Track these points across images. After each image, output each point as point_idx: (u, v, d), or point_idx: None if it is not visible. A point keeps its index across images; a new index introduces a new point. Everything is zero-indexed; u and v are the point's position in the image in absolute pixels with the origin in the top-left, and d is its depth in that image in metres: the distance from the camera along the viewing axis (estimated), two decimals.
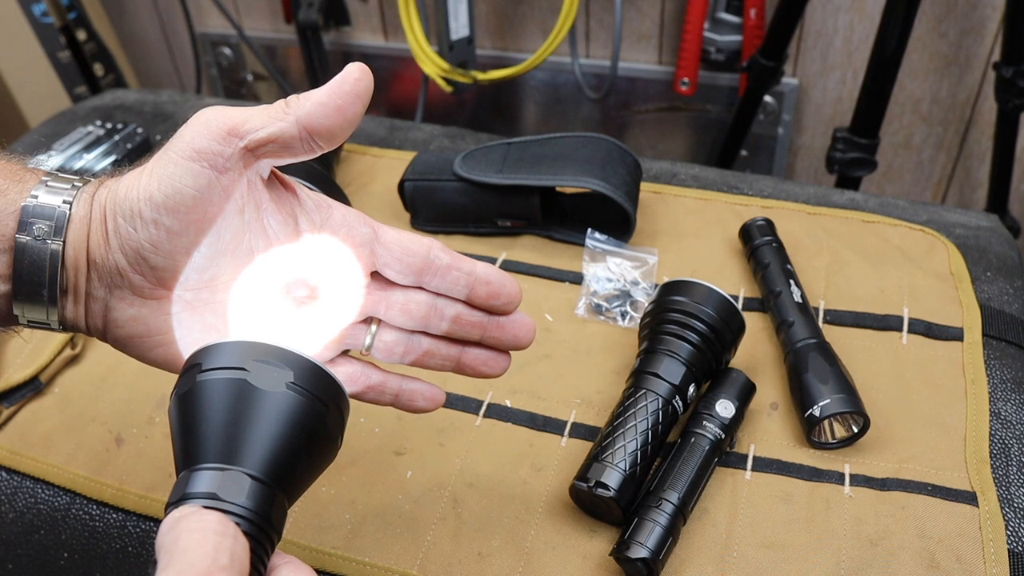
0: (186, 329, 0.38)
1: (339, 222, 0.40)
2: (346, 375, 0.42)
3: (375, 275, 0.42)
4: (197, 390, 0.34)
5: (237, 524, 0.31)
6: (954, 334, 0.62)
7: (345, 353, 0.43)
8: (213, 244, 0.37)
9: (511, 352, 0.44)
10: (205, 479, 0.32)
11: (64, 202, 0.36)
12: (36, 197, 0.35)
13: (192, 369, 0.35)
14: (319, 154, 0.37)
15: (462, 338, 0.43)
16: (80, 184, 0.37)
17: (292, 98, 0.36)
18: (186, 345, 0.38)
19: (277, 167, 0.39)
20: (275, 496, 0.33)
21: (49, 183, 0.36)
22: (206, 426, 0.33)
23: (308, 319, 0.41)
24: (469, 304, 0.42)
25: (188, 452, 0.34)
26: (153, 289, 0.37)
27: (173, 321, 0.38)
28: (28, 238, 0.35)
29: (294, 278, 0.40)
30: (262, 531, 0.32)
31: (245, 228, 0.37)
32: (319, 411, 0.35)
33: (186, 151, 0.35)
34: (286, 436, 0.34)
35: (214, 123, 0.35)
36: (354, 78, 0.36)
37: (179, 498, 0.32)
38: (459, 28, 1.28)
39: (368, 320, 0.42)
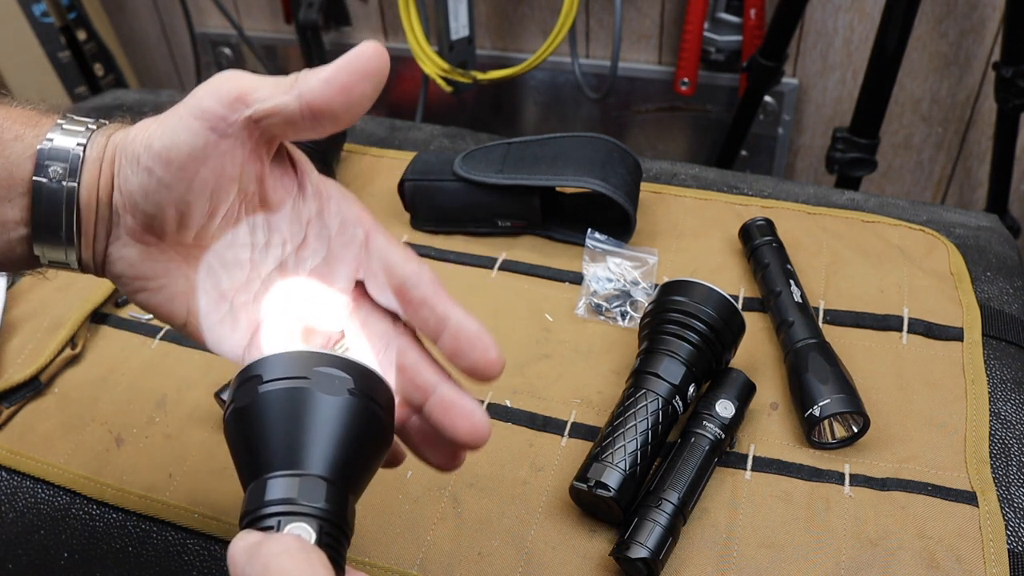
0: (172, 279, 0.38)
1: (333, 216, 0.39)
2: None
3: (359, 284, 0.40)
4: (261, 401, 0.35)
5: (320, 526, 0.32)
6: (954, 334, 0.62)
7: None
8: (202, 205, 0.36)
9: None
10: (281, 485, 0.33)
11: (78, 144, 0.36)
12: (51, 140, 0.36)
13: (251, 381, 0.35)
14: (326, 135, 0.36)
15: (406, 397, 0.38)
16: (94, 127, 0.37)
17: (303, 72, 0.34)
18: (169, 294, 0.38)
19: (291, 142, 0.38)
20: (347, 496, 0.34)
21: (64, 126, 0.36)
22: (272, 435, 0.34)
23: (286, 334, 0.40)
24: (430, 360, 0.38)
25: (256, 462, 0.34)
26: (143, 234, 0.37)
27: (160, 269, 0.37)
28: (44, 180, 0.35)
29: (285, 311, 0.39)
30: (340, 531, 0.33)
31: (240, 198, 0.37)
32: (377, 413, 0.36)
33: (193, 108, 0.34)
34: (351, 439, 0.35)
35: (225, 87, 0.34)
36: (366, 56, 0.33)
37: (257, 506, 0.33)
38: (459, 28, 1.28)
39: (343, 334, 0.40)
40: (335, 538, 0.33)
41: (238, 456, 0.36)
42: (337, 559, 0.33)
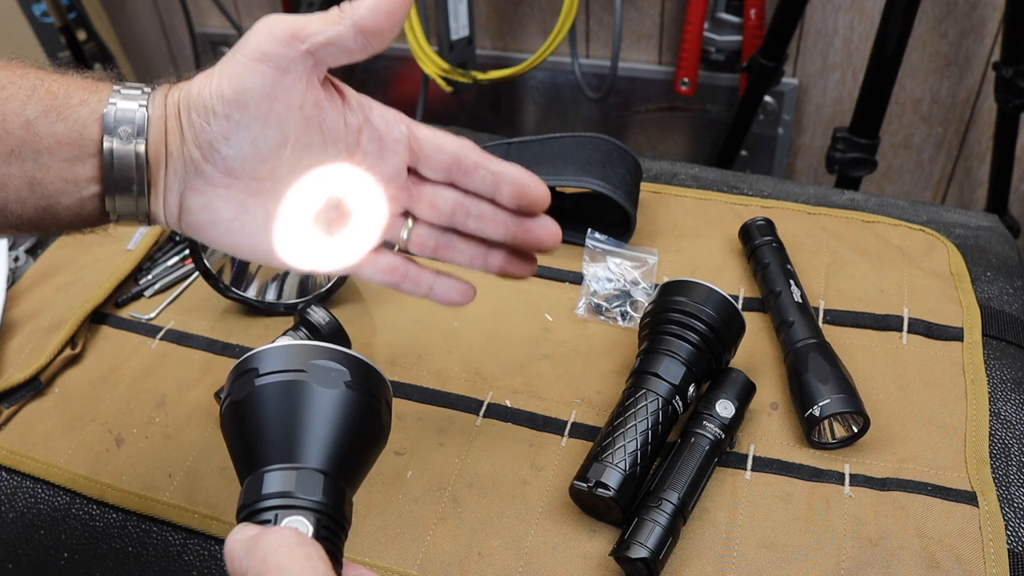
0: (251, 215, 0.41)
1: (378, 120, 0.43)
2: (386, 266, 0.45)
3: (411, 171, 0.44)
4: (257, 395, 0.35)
5: (318, 519, 0.32)
6: (954, 334, 0.62)
7: (384, 246, 0.46)
8: (276, 136, 0.40)
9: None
10: (278, 479, 0.33)
11: (140, 105, 0.39)
12: (115, 104, 0.39)
13: (247, 374, 0.35)
14: (371, 55, 0.40)
15: (488, 237, 0.45)
16: (149, 90, 0.40)
17: (345, 4, 0.39)
18: (252, 229, 0.42)
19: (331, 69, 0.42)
20: (344, 489, 0.34)
21: (122, 91, 0.40)
22: (269, 429, 0.34)
23: (348, 229, 0.44)
24: (497, 204, 0.44)
25: (253, 455, 0.34)
26: (223, 178, 0.40)
27: (240, 208, 0.41)
28: (115, 140, 0.39)
29: (333, 195, 0.43)
30: (338, 523, 0.33)
31: (304, 123, 0.40)
32: (373, 406, 0.36)
33: (254, 53, 0.38)
34: (348, 432, 0.35)
35: (278, 29, 0.38)
36: None
37: (255, 499, 0.33)
38: (459, 28, 1.28)
39: (405, 214, 0.45)
40: (333, 531, 0.33)
41: (235, 449, 0.35)
42: (335, 552, 0.33)
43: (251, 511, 0.33)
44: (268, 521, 0.32)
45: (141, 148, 0.39)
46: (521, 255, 0.47)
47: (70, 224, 0.41)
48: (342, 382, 0.35)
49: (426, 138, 0.44)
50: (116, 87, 0.40)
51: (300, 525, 0.32)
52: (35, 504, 0.56)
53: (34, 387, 0.62)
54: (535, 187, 0.44)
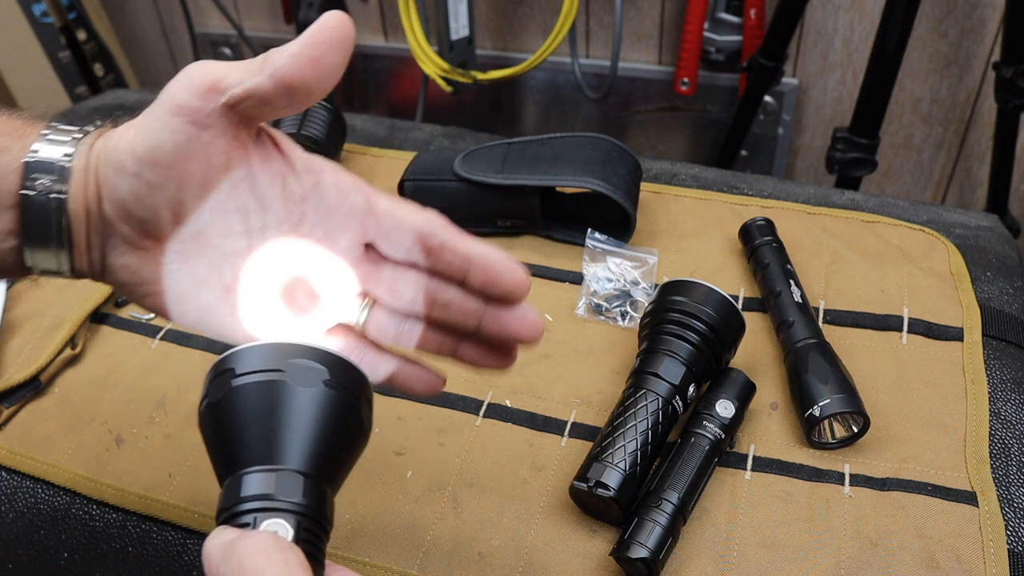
0: (176, 280, 0.38)
1: (329, 188, 0.38)
2: (338, 349, 0.41)
3: (369, 247, 0.40)
4: (234, 396, 0.34)
5: (298, 522, 0.32)
6: (954, 334, 0.62)
7: (341, 326, 0.41)
8: (198, 199, 0.36)
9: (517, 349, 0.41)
10: (257, 481, 0.32)
11: (65, 155, 0.36)
12: (36, 152, 0.36)
13: (224, 375, 0.35)
14: (302, 110, 0.36)
15: (457, 326, 0.40)
16: (80, 136, 0.37)
17: (271, 51, 0.35)
18: (176, 295, 0.38)
19: (266, 123, 0.38)
20: (325, 490, 0.34)
21: (50, 136, 0.36)
22: (247, 430, 0.34)
23: (301, 308, 0.40)
24: (468, 289, 0.39)
25: (231, 457, 0.34)
26: (140, 240, 0.37)
27: (163, 272, 0.37)
28: (33, 193, 0.35)
29: (286, 277, 0.39)
30: (320, 525, 0.33)
31: (230, 186, 0.37)
32: (354, 404, 0.35)
33: (168, 106, 0.34)
34: (328, 432, 0.34)
35: (196, 78, 0.34)
36: (328, 26, 0.34)
37: (233, 502, 0.32)
38: (459, 28, 1.28)
39: (364, 295, 0.41)
40: (314, 533, 0.32)
41: (213, 452, 0.35)
42: (315, 554, 0.32)
43: (230, 514, 0.32)
44: (247, 524, 0.31)
45: (62, 200, 0.35)
46: (497, 347, 0.40)
47: None
48: (321, 381, 0.34)
49: (387, 212, 0.38)
50: (44, 131, 0.37)
51: (280, 528, 0.31)
52: (35, 504, 0.56)
53: (34, 387, 0.62)
54: (510, 274, 0.37)
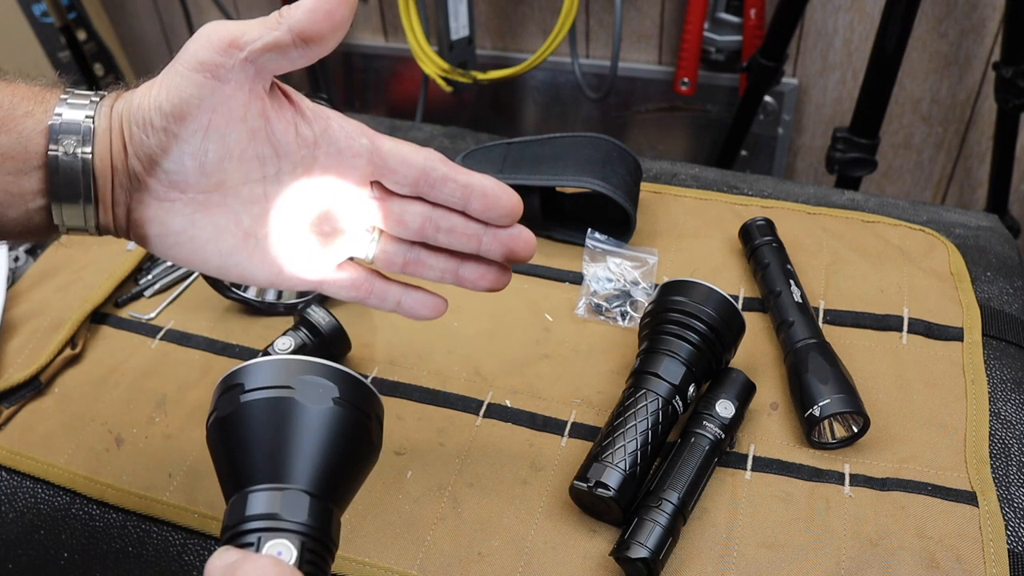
0: (200, 229, 0.41)
1: (337, 132, 0.41)
2: (350, 281, 0.44)
3: (376, 184, 0.43)
4: (243, 411, 0.34)
5: (302, 543, 0.31)
6: (954, 334, 0.62)
7: (350, 260, 0.45)
8: (219, 149, 0.39)
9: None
10: (263, 500, 0.32)
11: (87, 116, 0.38)
12: (60, 115, 0.38)
13: (232, 390, 0.35)
14: (315, 60, 0.39)
15: (459, 250, 0.44)
16: (97, 99, 0.39)
17: (284, 8, 0.37)
18: (199, 243, 0.41)
19: (278, 76, 0.40)
20: (331, 510, 0.33)
21: (70, 100, 0.39)
22: (255, 447, 0.33)
23: (314, 240, 0.43)
24: (467, 216, 0.43)
25: (238, 474, 0.33)
26: (167, 191, 0.39)
27: (187, 222, 0.40)
28: (60, 152, 0.38)
29: (307, 214, 0.42)
30: (324, 546, 0.32)
31: (250, 135, 0.39)
32: (364, 423, 0.35)
33: (191, 63, 0.37)
34: (337, 451, 0.34)
35: (215, 36, 0.37)
36: None
37: (238, 521, 0.32)
38: (459, 28, 1.28)
39: (371, 229, 0.44)
40: (318, 554, 0.32)
41: (220, 467, 0.34)
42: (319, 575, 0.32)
43: (233, 533, 0.32)
44: (251, 544, 0.31)
45: (88, 159, 0.38)
46: (494, 266, 0.45)
47: (18, 234, 0.40)
48: (330, 398, 0.34)
49: (390, 151, 0.42)
50: (63, 95, 0.39)
51: (284, 549, 0.31)
52: (35, 504, 0.56)
53: (34, 387, 0.62)
54: (506, 197, 0.42)
